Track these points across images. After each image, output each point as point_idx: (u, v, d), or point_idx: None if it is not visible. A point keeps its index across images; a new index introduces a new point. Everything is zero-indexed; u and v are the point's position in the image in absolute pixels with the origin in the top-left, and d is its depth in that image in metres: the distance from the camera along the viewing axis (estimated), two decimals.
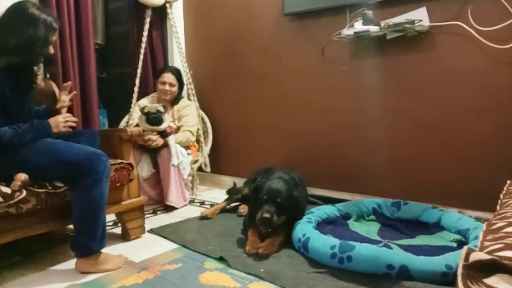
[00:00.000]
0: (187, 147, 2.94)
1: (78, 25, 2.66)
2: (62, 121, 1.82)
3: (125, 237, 2.13)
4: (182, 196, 2.77)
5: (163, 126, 2.69)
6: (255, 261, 1.78)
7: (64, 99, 2.02)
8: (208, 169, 3.25)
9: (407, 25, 2.21)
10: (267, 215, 1.86)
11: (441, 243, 1.92)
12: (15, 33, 1.65)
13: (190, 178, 3.00)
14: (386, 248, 1.71)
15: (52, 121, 1.80)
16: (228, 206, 2.63)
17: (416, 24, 2.20)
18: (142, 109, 2.71)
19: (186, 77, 3.28)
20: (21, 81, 1.74)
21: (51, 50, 1.80)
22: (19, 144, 1.65)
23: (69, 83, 2.07)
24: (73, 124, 1.86)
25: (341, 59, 2.66)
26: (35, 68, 1.77)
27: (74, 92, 2.12)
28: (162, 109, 2.70)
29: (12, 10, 1.71)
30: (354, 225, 2.20)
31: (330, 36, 2.60)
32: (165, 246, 2.02)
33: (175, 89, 2.99)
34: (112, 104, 3.80)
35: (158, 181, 2.82)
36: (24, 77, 1.75)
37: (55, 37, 1.80)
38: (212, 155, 3.32)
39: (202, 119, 3.34)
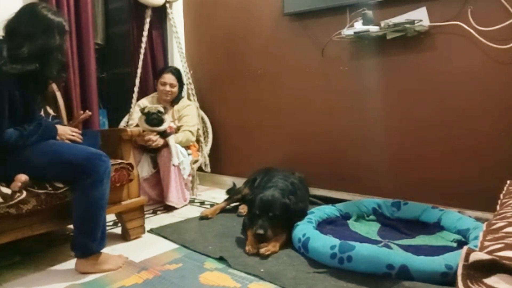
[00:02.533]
0: (187, 147, 2.94)
1: (78, 25, 2.66)
2: (69, 133, 1.85)
3: (125, 237, 2.13)
4: (182, 196, 2.77)
5: (163, 127, 2.69)
6: (255, 261, 1.78)
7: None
8: (208, 169, 3.25)
9: (407, 25, 2.21)
10: (260, 231, 1.88)
11: (441, 243, 1.92)
12: (30, 41, 1.63)
13: (190, 178, 3.00)
14: (386, 248, 1.71)
15: (60, 128, 1.82)
16: (228, 206, 2.63)
17: (416, 24, 2.20)
18: (142, 110, 2.71)
19: (186, 77, 3.28)
20: (32, 87, 1.71)
21: (65, 56, 1.79)
22: (23, 145, 1.65)
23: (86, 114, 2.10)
24: (79, 140, 1.86)
25: (341, 59, 2.66)
26: (49, 75, 1.75)
27: (88, 113, 2.16)
28: (162, 110, 2.70)
29: (25, 16, 1.68)
30: (354, 225, 2.20)
31: (330, 36, 2.60)
32: (165, 246, 2.02)
33: (175, 89, 2.99)
34: (112, 104, 3.80)
35: (158, 181, 2.82)
36: (37, 83, 1.73)
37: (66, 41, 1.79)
38: (212, 155, 3.32)
39: (202, 119, 3.34)
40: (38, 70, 1.66)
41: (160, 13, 3.36)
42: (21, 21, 1.67)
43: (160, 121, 2.67)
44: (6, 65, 1.58)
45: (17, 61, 1.60)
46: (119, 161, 2.02)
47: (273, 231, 1.93)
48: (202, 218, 2.45)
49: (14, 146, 1.63)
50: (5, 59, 1.58)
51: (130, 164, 2.05)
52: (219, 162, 3.39)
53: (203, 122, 3.35)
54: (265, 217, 1.92)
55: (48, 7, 1.77)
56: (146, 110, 2.68)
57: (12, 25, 1.67)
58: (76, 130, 1.89)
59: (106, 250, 1.80)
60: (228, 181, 3.25)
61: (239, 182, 2.89)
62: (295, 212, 2.03)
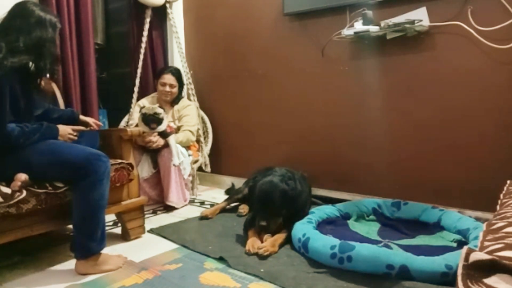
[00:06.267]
0: (187, 147, 2.94)
1: (78, 25, 2.66)
2: (70, 132, 1.87)
3: (125, 237, 2.13)
4: (182, 196, 2.77)
5: (161, 128, 2.68)
6: (255, 261, 1.78)
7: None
8: (208, 169, 3.25)
9: (407, 25, 2.21)
10: (263, 223, 1.93)
11: (441, 243, 1.92)
12: (24, 35, 1.67)
13: (190, 178, 3.00)
14: (386, 248, 1.71)
15: (61, 128, 1.84)
16: (228, 206, 2.63)
17: (416, 24, 2.20)
18: (141, 110, 2.70)
19: (186, 77, 3.28)
20: (29, 81, 1.75)
21: (58, 49, 1.84)
22: (24, 144, 1.66)
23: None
24: (75, 139, 1.90)
25: (341, 59, 2.66)
26: (43, 68, 1.78)
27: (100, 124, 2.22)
28: (159, 111, 2.67)
29: (17, 12, 1.73)
30: (354, 225, 2.20)
31: (330, 36, 2.60)
32: (165, 246, 2.02)
33: (175, 89, 2.99)
34: (112, 104, 3.80)
35: (158, 181, 2.82)
36: (33, 77, 1.77)
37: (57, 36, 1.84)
38: (212, 155, 3.32)
39: (202, 119, 3.34)
40: (33, 63, 1.71)
41: (160, 13, 3.36)
42: (14, 18, 1.72)
43: (158, 122, 2.66)
44: (7, 59, 1.60)
45: (15, 54, 1.63)
46: (119, 161, 2.02)
47: (275, 221, 1.96)
48: (202, 218, 2.45)
49: (16, 142, 1.63)
50: (4, 54, 1.61)
51: (130, 164, 2.05)
52: (219, 162, 3.39)
53: (203, 122, 3.35)
54: (265, 208, 1.96)
55: (39, 5, 1.82)
56: (142, 111, 2.67)
57: (6, 22, 1.72)
58: (77, 128, 1.92)
59: (106, 250, 1.80)
60: (228, 181, 3.26)
61: (239, 182, 2.89)
62: (294, 197, 2.04)
